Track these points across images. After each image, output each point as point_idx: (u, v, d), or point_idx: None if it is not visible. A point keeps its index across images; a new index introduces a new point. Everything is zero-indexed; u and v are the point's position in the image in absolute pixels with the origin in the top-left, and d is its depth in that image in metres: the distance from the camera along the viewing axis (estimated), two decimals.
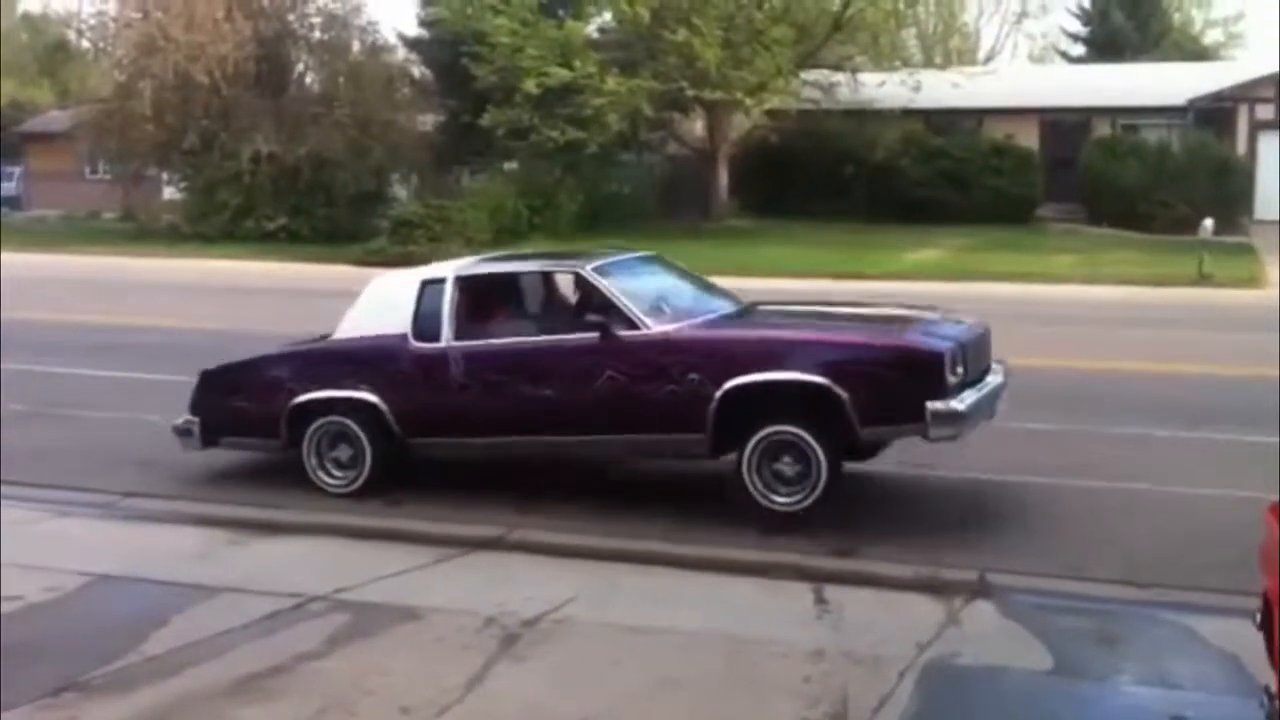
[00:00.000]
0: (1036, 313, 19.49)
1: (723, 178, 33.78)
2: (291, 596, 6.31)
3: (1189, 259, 24.01)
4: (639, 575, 6.90)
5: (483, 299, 8.58)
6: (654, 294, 8.32)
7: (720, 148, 33.51)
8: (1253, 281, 23.12)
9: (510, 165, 33.98)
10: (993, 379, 8.05)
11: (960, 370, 7.47)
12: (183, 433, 9.03)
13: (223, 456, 9.29)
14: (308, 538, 7.70)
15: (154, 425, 10.20)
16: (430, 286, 8.48)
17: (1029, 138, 34.28)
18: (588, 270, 8.24)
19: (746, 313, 8.67)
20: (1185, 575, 6.66)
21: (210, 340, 14.52)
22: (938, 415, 7.25)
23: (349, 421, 8.45)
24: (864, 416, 7.32)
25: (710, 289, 9.05)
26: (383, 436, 8.42)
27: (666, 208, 33.90)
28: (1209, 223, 24.26)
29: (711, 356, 7.72)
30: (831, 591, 6.52)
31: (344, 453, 8.53)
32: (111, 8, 35.46)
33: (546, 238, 29.99)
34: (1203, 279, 23.01)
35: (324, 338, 9.11)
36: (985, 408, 7.73)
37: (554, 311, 8.75)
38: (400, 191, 36.74)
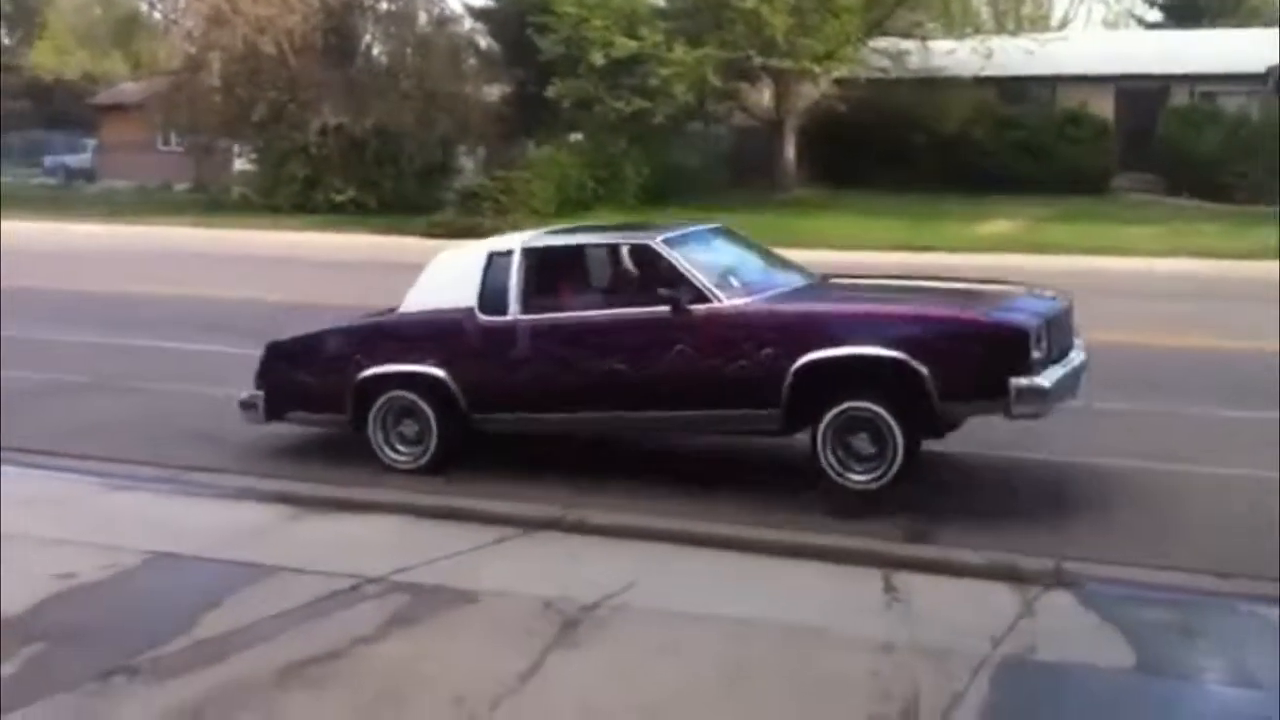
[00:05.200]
0: (1114, 286, 18.98)
1: (790, 149, 33.32)
2: (348, 577, 6.18)
3: (1272, 231, 23.33)
4: (701, 559, 6.70)
5: (550, 271, 8.41)
6: (724, 267, 8.14)
7: (787, 118, 33.02)
8: None
9: (576, 136, 33.76)
10: (1075, 356, 7.78)
11: (1044, 346, 7.25)
12: (248, 407, 8.96)
13: (285, 431, 9.22)
14: (367, 515, 7.59)
15: (217, 398, 10.18)
16: (497, 259, 8.33)
17: (1104, 106, 33.43)
18: (657, 242, 8.05)
19: (820, 286, 8.47)
20: (1271, 565, 6.36)
21: (279, 313, 14.50)
22: (1021, 392, 7.03)
23: (415, 396, 8.33)
24: (944, 392, 7.11)
25: (780, 262, 8.84)
26: (449, 412, 8.28)
27: (733, 179, 33.49)
28: None
29: (786, 331, 7.54)
30: (901, 578, 6.29)
31: (410, 428, 8.43)
32: None
33: (612, 209, 29.76)
34: None
35: (391, 311, 8.97)
36: (1069, 385, 7.48)
37: (623, 284, 8.54)
38: (467, 163, 36.66)
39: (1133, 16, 54.77)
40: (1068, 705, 4.87)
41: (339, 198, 32.81)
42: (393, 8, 35.98)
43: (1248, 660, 5.36)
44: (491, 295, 8.23)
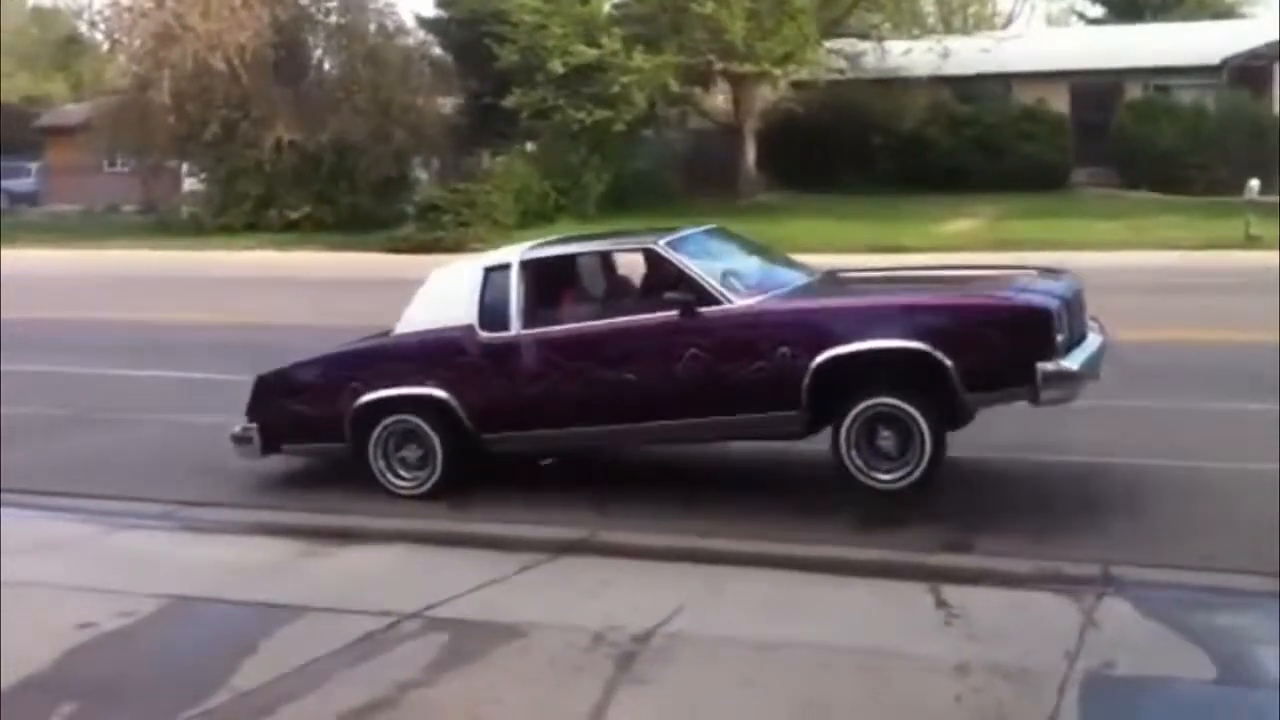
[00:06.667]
0: (1086, 282, 18.98)
1: (750, 152, 33.19)
2: (382, 615, 5.90)
3: (1233, 221, 23.50)
4: (740, 579, 6.47)
5: (551, 283, 8.18)
6: (729, 267, 7.93)
7: (746, 122, 32.91)
8: None
9: (531, 145, 33.46)
10: (1094, 338, 7.64)
11: (1066, 328, 7.10)
12: (241, 440, 8.61)
13: (280, 460, 8.90)
14: (384, 546, 7.32)
15: (202, 427, 9.86)
16: (494, 273, 8.08)
17: (1059, 102, 33.61)
18: (660, 245, 7.84)
19: (828, 281, 8.31)
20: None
21: (251, 335, 14.18)
22: (1049, 377, 6.86)
23: (417, 419, 8.05)
24: (969, 382, 6.93)
25: (782, 259, 8.68)
26: (454, 434, 8.00)
27: (693, 185, 33.32)
28: (1255, 183, 23.62)
29: (802, 328, 7.35)
30: (950, 592, 6.09)
31: (413, 453, 8.13)
32: None
33: (574, 219, 29.51)
34: (1251, 240, 22.47)
35: (385, 334, 8.71)
36: (1094, 367, 7.31)
37: (626, 291, 8.36)
38: (421, 176, 36.26)
39: (1074, 12, 55.25)
40: None
41: (294, 214, 32.36)
42: (342, 21, 35.52)
43: None
44: (491, 311, 7.97)
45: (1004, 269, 8.67)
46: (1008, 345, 7.04)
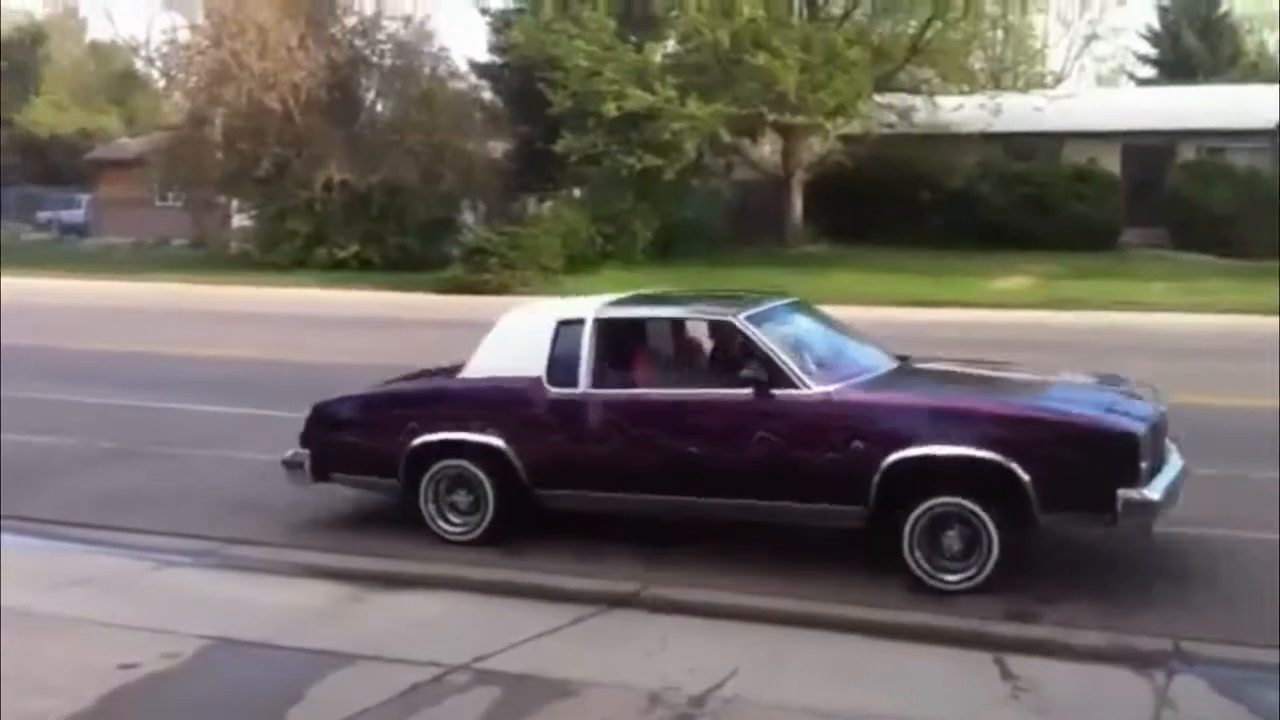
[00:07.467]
0: (1140, 344, 18.65)
1: (797, 203, 33.13)
2: (430, 666, 5.75)
3: None
4: (799, 641, 6.30)
5: (624, 343, 8.02)
6: (808, 346, 7.71)
7: (795, 173, 32.87)
8: None
9: (578, 191, 33.54)
10: (1174, 462, 7.34)
11: (1150, 454, 6.85)
12: (292, 466, 8.52)
13: (326, 500, 8.81)
14: (431, 593, 7.18)
15: (249, 463, 9.79)
16: (566, 327, 7.92)
17: (1110, 162, 33.40)
18: (740, 320, 7.60)
19: (908, 372, 8.06)
20: None
21: (297, 372, 14.16)
22: (1130, 505, 6.62)
23: (473, 467, 7.92)
24: (1045, 501, 6.70)
25: (859, 340, 8.38)
26: (508, 484, 7.86)
27: (739, 234, 33.26)
28: None
29: (877, 423, 7.13)
30: (1016, 663, 5.90)
31: (464, 498, 8.00)
32: (182, 36, 35.49)
33: (621, 266, 29.49)
34: None
35: (452, 370, 8.58)
36: (1174, 496, 7.03)
37: (701, 361, 8.16)
38: (468, 218, 36.42)
39: (1125, 73, 55.14)
40: None
41: (342, 253, 32.53)
42: (397, 64, 35.85)
43: None
44: (561, 365, 7.81)
45: (1085, 377, 8.28)
46: (1090, 467, 6.79)
